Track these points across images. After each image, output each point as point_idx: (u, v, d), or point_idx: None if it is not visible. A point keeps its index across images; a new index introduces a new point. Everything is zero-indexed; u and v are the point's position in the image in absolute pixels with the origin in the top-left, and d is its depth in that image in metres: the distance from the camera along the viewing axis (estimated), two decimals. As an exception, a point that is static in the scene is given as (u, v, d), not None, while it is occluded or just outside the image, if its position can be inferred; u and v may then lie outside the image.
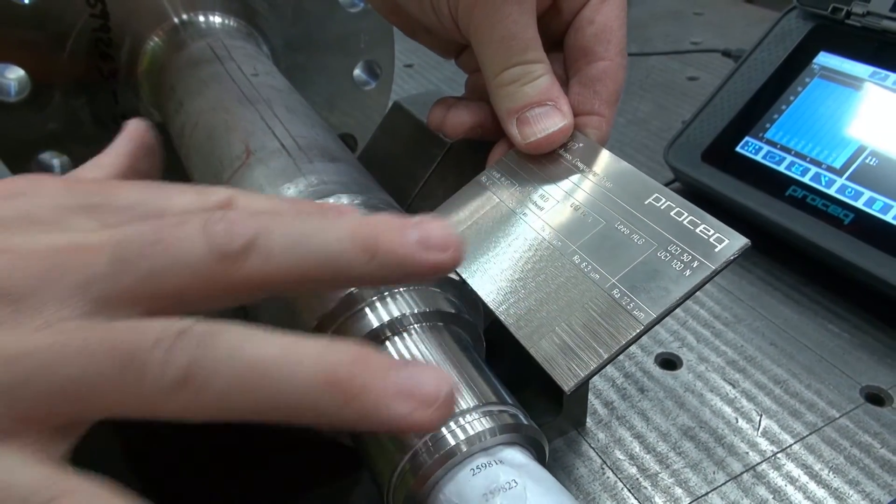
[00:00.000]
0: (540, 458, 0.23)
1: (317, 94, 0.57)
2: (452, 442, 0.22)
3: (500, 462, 0.21)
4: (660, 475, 0.40)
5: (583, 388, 0.41)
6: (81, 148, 0.51)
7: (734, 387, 0.44)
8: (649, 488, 0.39)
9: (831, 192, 0.50)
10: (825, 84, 0.55)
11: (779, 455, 0.40)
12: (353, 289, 0.25)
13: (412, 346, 0.24)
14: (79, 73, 0.48)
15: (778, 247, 0.54)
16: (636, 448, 0.41)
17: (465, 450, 0.22)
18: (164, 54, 0.48)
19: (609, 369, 0.46)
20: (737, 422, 0.42)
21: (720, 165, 0.57)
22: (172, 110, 0.42)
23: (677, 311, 0.51)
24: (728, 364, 0.46)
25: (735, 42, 0.90)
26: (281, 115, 0.37)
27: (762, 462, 0.40)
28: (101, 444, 0.26)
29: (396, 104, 0.41)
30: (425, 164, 0.38)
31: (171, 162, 0.53)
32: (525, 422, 0.23)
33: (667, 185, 0.46)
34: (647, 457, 0.41)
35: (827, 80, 0.55)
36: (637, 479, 0.40)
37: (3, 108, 0.47)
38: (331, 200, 0.29)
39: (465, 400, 0.22)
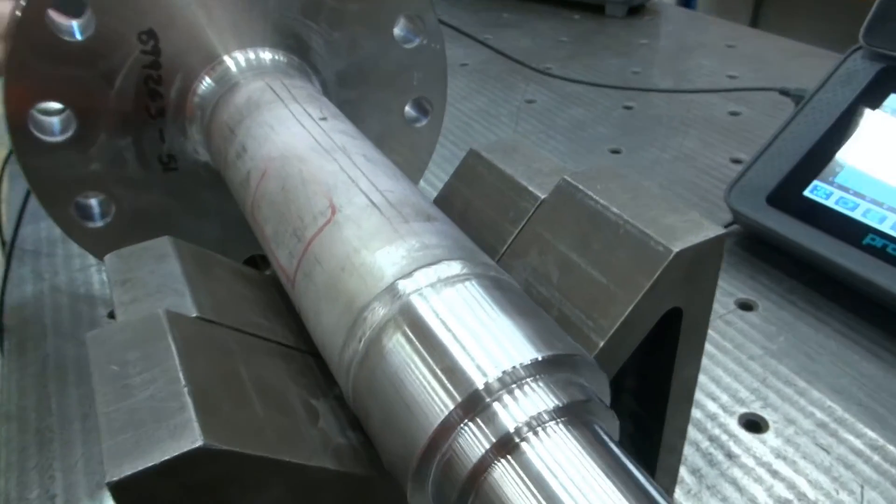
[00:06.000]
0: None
1: (367, 131, 0.54)
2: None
3: None
4: (763, 555, 0.37)
5: (673, 458, 0.39)
6: (123, 189, 0.48)
7: (828, 453, 0.42)
8: (753, 570, 0.36)
9: (915, 241, 0.48)
10: (899, 126, 0.53)
11: (889, 533, 0.37)
12: (479, 385, 0.22)
13: (556, 450, 0.21)
14: (126, 112, 0.45)
15: (855, 298, 0.51)
16: (733, 523, 0.38)
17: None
18: (217, 92, 0.45)
19: (692, 432, 0.44)
20: (837, 493, 0.39)
21: (788, 210, 0.55)
22: (233, 155, 0.40)
23: (755, 366, 0.48)
24: (818, 427, 0.43)
25: (773, 76, 0.89)
26: (361, 166, 0.34)
27: (872, 541, 0.37)
28: None
29: (473, 152, 0.39)
30: (514, 219, 0.35)
31: (217, 202, 0.50)
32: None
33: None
34: (747, 533, 0.38)
35: (901, 122, 0.53)
36: (738, 559, 0.37)
37: (46, 148, 0.44)
38: (440, 267, 0.27)
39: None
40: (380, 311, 0.26)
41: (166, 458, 0.21)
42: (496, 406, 0.22)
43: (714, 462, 0.42)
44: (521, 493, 0.21)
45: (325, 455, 0.25)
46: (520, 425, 0.22)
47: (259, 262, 0.56)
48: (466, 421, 0.22)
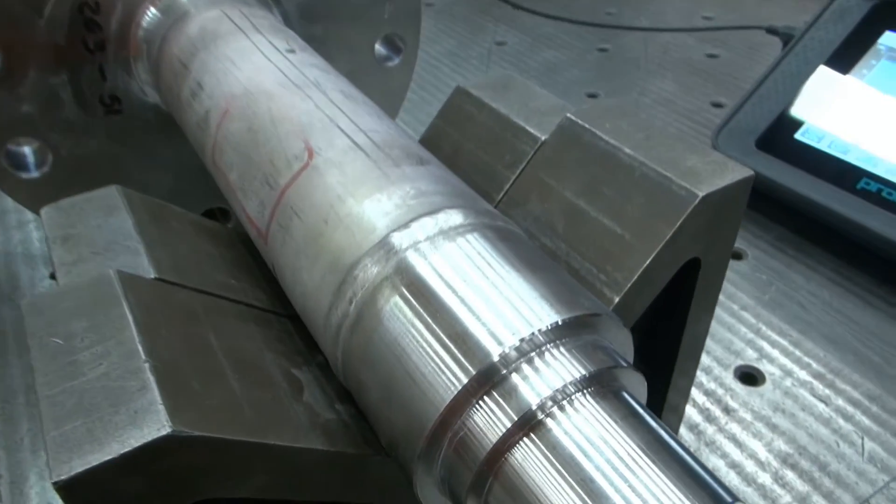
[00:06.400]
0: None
1: (335, 72, 0.50)
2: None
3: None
4: (767, 513, 0.35)
5: (675, 418, 0.37)
6: (60, 135, 0.43)
7: (827, 404, 0.40)
8: (759, 529, 0.35)
9: (911, 185, 0.46)
10: (895, 67, 0.51)
11: (892, 485, 0.36)
12: (494, 357, 0.19)
13: (585, 425, 0.19)
14: (59, 45, 0.40)
15: (846, 245, 0.50)
16: (734, 480, 0.37)
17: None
18: (164, 24, 0.40)
19: (688, 387, 0.42)
20: (838, 446, 0.38)
21: (778, 154, 0.52)
22: (188, 93, 0.35)
23: (749, 317, 0.46)
24: (814, 377, 0.42)
25: (749, 17, 0.86)
26: (339, 103, 0.30)
27: (875, 493, 0.36)
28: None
29: (461, 90, 0.35)
30: (510, 163, 0.32)
31: (169, 149, 0.45)
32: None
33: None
34: (750, 490, 0.36)
35: (896, 62, 0.51)
36: (742, 518, 0.35)
37: (-34, 87, 0.38)
38: (439, 217, 0.23)
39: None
40: (372, 269, 0.22)
41: (127, 449, 0.17)
42: (515, 378, 0.19)
43: (712, 417, 0.40)
44: (550, 477, 0.18)
45: (314, 434, 0.22)
46: (543, 400, 0.19)
47: (218, 216, 0.51)
48: (482, 395, 0.19)
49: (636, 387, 0.22)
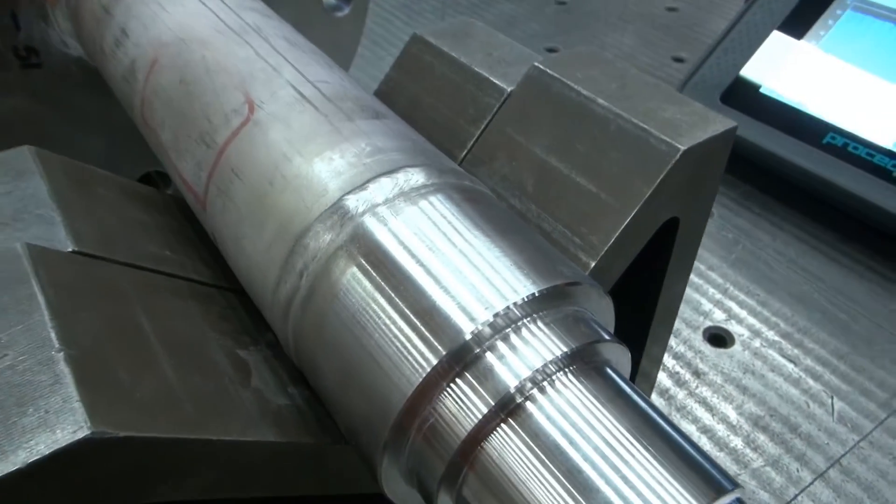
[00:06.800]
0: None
1: (279, 22, 0.46)
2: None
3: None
4: (740, 477, 0.34)
5: (646, 385, 0.35)
6: (-29, 91, 0.38)
7: (796, 364, 0.40)
8: (731, 494, 0.34)
9: (877, 139, 0.46)
10: (861, 17, 0.50)
11: (862, 444, 0.36)
12: (466, 334, 0.17)
13: (568, 409, 0.17)
14: (-39, -11, 0.35)
15: (811, 202, 0.49)
16: (706, 445, 0.36)
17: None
18: (83, -36, 0.35)
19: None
20: (808, 406, 0.38)
21: (744, 109, 0.51)
22: (111, 42, 0.31)
23: (716, 277, 0.45)
24: (783, 337, 0.41)
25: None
26: (283, 51, 0.27)
27: (845, 454, 0.35)
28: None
29: (418, 38, 0.32)
30: (475, 117, 0.29)
31: (97, 106, 0.41)
32: None
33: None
34: (722, 455, 0.35)
35: (863, 12, 0.50)
36: (714, 483, 0.34)
37: None
38: (399, 177, 0.21)
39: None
40: (325, 237, 0.20)
41: (36, 458, 0.15)
42: (490, 358, 0.17)
43: (682, 382, 0.39)
44: (533, 468, 0.16)
45: (264, 424, 0.20)
46: (522, 381, 0.17)
47: (157, 180, 0.47)
48: (453, 378, 0.17)
49: (620, 360, 0.20)
